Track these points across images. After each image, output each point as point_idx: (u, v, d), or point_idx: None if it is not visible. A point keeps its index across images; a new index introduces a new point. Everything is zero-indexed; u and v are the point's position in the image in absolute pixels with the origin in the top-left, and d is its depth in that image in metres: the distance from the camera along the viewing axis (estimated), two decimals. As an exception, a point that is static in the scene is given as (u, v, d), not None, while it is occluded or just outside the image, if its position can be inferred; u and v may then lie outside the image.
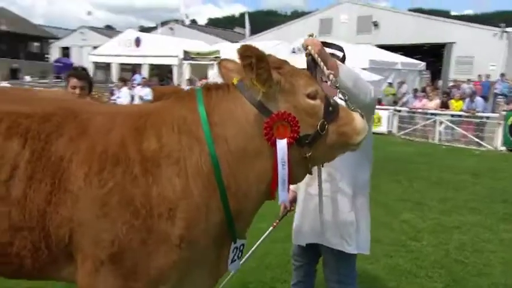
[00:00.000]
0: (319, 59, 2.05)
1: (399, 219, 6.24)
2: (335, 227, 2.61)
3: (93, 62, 31.72)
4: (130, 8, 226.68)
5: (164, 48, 27.60)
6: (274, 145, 1.78)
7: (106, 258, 1.73)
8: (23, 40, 43.87)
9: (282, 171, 1.79)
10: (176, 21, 42.02)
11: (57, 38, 48.15)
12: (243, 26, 34.69)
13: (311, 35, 2.21)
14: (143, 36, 30.52)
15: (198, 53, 25.86)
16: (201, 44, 28.67)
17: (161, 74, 27.73)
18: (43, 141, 1.82)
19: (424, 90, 18.57)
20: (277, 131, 1.78)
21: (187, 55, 26.07)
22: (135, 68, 29.68)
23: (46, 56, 46.51)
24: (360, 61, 19.20)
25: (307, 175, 2.09)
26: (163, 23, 40.94)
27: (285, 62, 1.95)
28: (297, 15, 32.02)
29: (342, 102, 2.10)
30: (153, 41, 29.45)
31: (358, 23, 30.42)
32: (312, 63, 2.09)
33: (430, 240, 5.49)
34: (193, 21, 59.65)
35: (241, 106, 1.83)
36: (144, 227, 1.71)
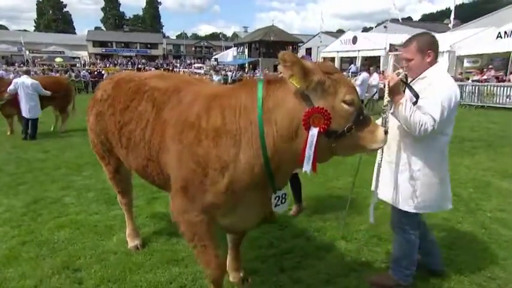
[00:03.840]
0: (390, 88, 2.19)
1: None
2: (398, 190, 2.46)
3: (323, 57, 32.99)
4: (358, 14, 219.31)
5: (374, 43, 26.11)
6: (308, 130, 1.74)
7: (179, 187, 2.07)
8: (283, 45, 48.49)
9: (309, 151, 1.76)
10: (392, 20, 38.31)
11: (303, 42, 51.34)
12: (456, 18, 28.80)
13: (398, 74, 2.24)
14: (359, 34, 29.50)
15: (401, 45, 23.37)
16: (405, 37, 25.39)
17: (370, 63, 26.47)
18: (160, 108, 2.27)
19: None
20: (313, 120, 1.73)
21: (392, 47, 23.92)
22: (351, 60, 29.37)
23: (296, 55, 49.67)
24: None
25: (385, 147, 2.06)
26: (379, 24, 38.11)
27: (338, 71, 1.89)
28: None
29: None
30: (366, 38, 28.17)
31: None
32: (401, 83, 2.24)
33: None
34: (409, 18, 52.76)
35: (292, 96, 1.79)
36: (202, 173, 1.93)
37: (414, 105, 2.21)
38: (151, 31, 69.41)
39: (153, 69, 31.82)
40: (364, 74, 13.15)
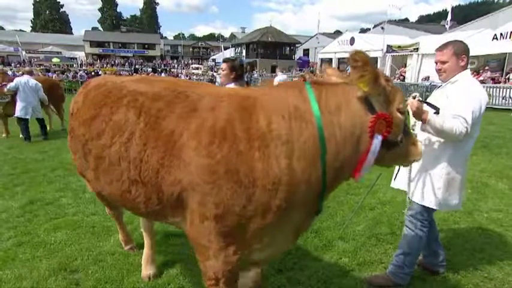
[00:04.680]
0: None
1: None
2: (420, 186, 2.55)
3: (320, 58, 33.09)
4: (355, 15, 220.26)
5: (372, 44, 26.18)
6: (371, 138, 1.61)
7: (210, 216, 1.60)
8: (280, 46, 48.71)
9: (371, 159, 1.63)
10: (389, 21, 38.46)
11: (300, 43, 51.47)
12: (453, 19, 29.06)
13: (414, 97, 2.29)
14: (356, 35, 29.59)
15: (399, 46, 23.40)
16: (403, 38, 25.75)
17: (368, 64, 26.58)
18: (154, 116, 1.75)
19: None
20: (378, 127, 1.61)
21: (389, 48, 24.00)
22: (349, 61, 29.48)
23: (293, 56, 49.77)
24: None
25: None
26: (376, 25, 38.30)
27: (390, 79, 1.77)
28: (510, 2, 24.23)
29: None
30: (364, 39, 28.23)
31: None
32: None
33: None
34: (405, 19, 53.00)
35: (356, 99, 1.61)
36: (246, 195, 1.54)
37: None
38: (148, 32, 69.29)
39: (149, 70, 31.80)
40: None
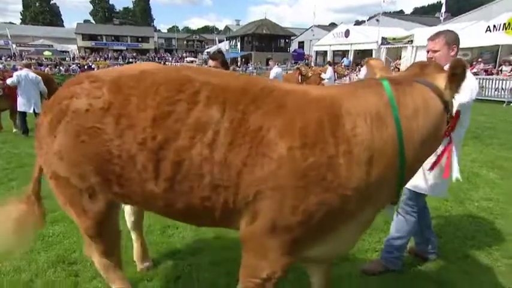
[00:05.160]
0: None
1: None
2: None
3: (315, 51, 33.09)
4: (351, 7, 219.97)
5: (367, 36, 26.23)
6: (447, 136, 1.81)
7: (287, 223, 1.52)
8: (275, 38, 48.50)
9: (456, 156, 1.85)
10: (384, 13, 38.41)
11: (295, 35, 51.24)
12: (447, 11, 29.13)
13: None
14: (351, 28, 29.59)
15: (394, 38, 23.50)
16: (397, 30, 25.80)
17: (363, 57, 26.62)
18: (241, 112, 1.58)
19: None
20: (450, 126, 1.75)
21: (384, 40, 24.07)
22: (344, 53, 29.48)
23: (288, 48, 49.47)
24: None
25: None
26: (371, 17, 38.28)
27: None
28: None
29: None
30: (358, 31, 28.26)
31: None
32: None
33: None
34: (400, 11, 52.94)
35: (434, 103, 1.59)
36: (330, 201, 1.49)
37: None
38: (142, 24, 68.43)
39: (143, 63, 31.45)
40: (365, 68, 13.49)
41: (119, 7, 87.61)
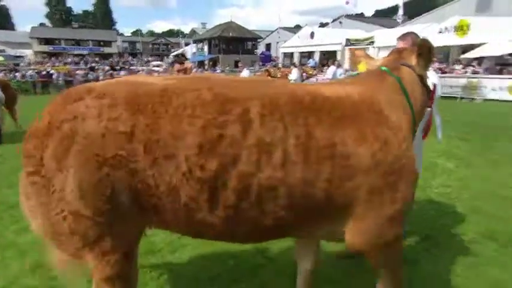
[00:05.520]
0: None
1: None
2: None
3: (282, 52, 33.72)
4: (314, 9, 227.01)
5: (331, 38, 27.17)
6: (430, 107, 2.18)
7: (396, 210, 1.64)
8: (242, 41, 48.76)
9: (438, 120, 2.30)
10: (346, 16, 39.93)
11: (262, 38, 51.85)
12: (404, 13, 30.89)
13: None
14: (316, 30, 30.51)
15: (356, 40, 24.54)
16: (359, 32, 26.98)
17: (328, 58, 27.52)
18: (303, 126, 1.52)
19: None
20: (431, 98, 2.13)
21: (348, 42, 25.07)
22: (310, 55, 30.33)
23: (255, 51, 49.96)
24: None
25: None
26: (335, 19, 39.63)
27: None
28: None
29: None
30: (323, 33, 29.21)
31: (520, -3, 23.18)
32: None
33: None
34: (361, 14, 55.27)
35: (415, 77, 1.95)
36: (406, 175, 1.66)
37: None
38: (103, 28, 66.00)
39: (107, 68, 30.43)
40: (332, 68, 14.59)
41: (77, 10, 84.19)
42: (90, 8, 78.11)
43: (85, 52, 52.91)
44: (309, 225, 1.67)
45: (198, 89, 1.54)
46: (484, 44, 15.99)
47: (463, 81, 16.04)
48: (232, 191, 1.46)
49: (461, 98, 15.47)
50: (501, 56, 16.52)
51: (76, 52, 52.32)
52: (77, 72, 26.01)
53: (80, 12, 79.71)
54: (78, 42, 54.59)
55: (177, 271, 2.82)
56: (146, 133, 1.43)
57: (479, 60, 17.40)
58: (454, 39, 18.07)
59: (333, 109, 1.60)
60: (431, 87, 2.16)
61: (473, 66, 17.53)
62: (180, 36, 61.77)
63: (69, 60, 45.48)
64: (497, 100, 14.42)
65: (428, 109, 2.22)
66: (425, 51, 1.91)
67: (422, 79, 1.99)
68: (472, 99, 15.17)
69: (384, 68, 1.96)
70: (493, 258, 2.99)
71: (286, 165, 1.46)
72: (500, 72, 15.95)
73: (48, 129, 1.47)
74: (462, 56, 17.99)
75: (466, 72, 17.07)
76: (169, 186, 1.45)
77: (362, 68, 2.37)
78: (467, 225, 3.61)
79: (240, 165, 1.44)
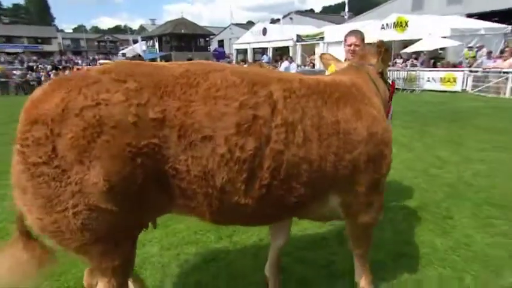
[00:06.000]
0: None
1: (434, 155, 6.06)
2: None
3: (236, 49, 33.88)
4: (264, 6, 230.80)
5: (283, 34, 27.86)
6: (390, 100, 2.55)
7: (380, 177, 1.93)
8: (194, 38, 48.00)
9: (391, 111, 2.84)
10: (296, 12, 41.08)
11: (214, 35, 51.40)
12: (349, 10, 32.65)
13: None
14: (268, 26, 31.03)
15: (307, 36, 25.47)
16: (310, 28, 28.02)
17: (282, 54, 28.25)
18: (314, 108, 1.70)
19: (502, 52, 15.46)
20: (391, 92, 2.52)
21: (299, 38, 25.92)
22: (263, 51, 30.81)
23: (208, 47, 49.44)
24: (442, 30, 16.99)
25: None
26: (285, 15, 40.64)
27: None
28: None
29: None
30: (275, 29, 29.82)
31: (449, -4, 25.72)
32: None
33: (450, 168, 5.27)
34: (311, 10, 57.19)
35: (379, 76, 2.39)
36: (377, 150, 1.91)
37: None
38: (40, 24, 60.94)
39: (49, 67, 28.29)
40: (286, 63, 15.36)
41: (6, 4, 76.52)
42: (21, 2, 71.70)
43: (19, 50, 48.56)
44: (320, 199, 1.82)
45: (223, 69, 1.59)
46: (420, 39, 17.56)
47: (404, 74, 17.51)
48: (267, 170, 1.52)
49: (403, 89, 16.87)
50: (434, 51, 18.30)
51: (8, 50, 47.81)
52: (14, 72, 23.85)
53: (10, 6, 72.82)
54: (10, 39, 49.86)
55: (149, 262, 2.92)
56: (179, 117, 1.39)
57: (417, 54, 19.09)
58: (394, 35, 19.56)
59: (333, 91, 1.81)
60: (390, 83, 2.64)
61: (412, 60, 19.18)
62: (129, 32, 59.12)
63: (1, 59, 41.44)
64: (433, 90, 16.07)
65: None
66: (383, 51, 2.37)
67: (382, 75, 2.41)
68: (413, 90, 16.63)
69: (354, 64, 2.40)
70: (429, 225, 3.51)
71: (306, 143, 1.61)
72: (434, 66, 17.69)
73: (61, 116, 1.31)
74: (402, 51, 19.55)
75: (406, 65, 18.64)
76: (205, 169, 1.43)
77: (331, 69, 2.73)
78: (409, 201, 4.16)
79: (272, 144, 1.52)
